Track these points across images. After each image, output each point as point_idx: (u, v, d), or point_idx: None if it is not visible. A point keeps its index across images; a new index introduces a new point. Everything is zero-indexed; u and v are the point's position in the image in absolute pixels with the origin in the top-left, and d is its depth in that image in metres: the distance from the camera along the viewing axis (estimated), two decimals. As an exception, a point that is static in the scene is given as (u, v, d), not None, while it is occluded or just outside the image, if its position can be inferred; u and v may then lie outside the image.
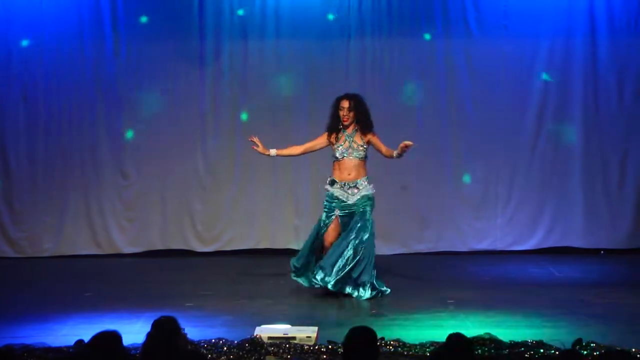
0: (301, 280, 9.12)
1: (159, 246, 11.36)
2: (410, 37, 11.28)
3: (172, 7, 11.21)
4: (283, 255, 11.19)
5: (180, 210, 11.34)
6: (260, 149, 9.15)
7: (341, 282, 8.82)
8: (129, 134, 11.21)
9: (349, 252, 8.80)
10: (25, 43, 11.11)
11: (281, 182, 11.34)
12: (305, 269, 9.08)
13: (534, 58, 11.31)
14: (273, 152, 9.15)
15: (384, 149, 8.95)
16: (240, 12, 11.22)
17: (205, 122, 11.31)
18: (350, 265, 8.79)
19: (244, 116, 11.30)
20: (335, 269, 8.77)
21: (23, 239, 11.23)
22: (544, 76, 11.28)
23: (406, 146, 8.70)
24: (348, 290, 8.85)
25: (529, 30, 11.28)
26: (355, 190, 8.92)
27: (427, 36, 11.27)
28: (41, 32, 11.11)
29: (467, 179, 11.38)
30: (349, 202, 8.91)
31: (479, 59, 11.31)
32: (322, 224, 9.04)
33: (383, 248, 11.13)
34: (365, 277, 8.82)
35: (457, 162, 11.39)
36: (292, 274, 9.17)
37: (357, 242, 8.82)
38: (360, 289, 8.85)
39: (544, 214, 11.39)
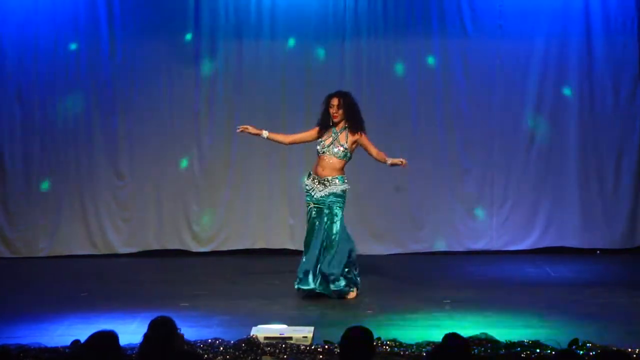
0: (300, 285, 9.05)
1: (155, 246, 11.35)
2: (405, 37, 11.29)
3: (168, 7, 11.20)
4: (279, 255, 11.22)
5: (175, 210, 11.33)
6: (252, 129, 9.13)
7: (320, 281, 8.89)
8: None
9: (319, 253, 8.85)
10: (20, 43, 11.08)
11: (276, 182, 11.34)
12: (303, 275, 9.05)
13: (529, 58, 11.32)
14: (265, 133, 9.13)
15: (374, 151, 8.95)
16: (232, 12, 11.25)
17: (200, 122, 11.31)
18: (321, 262, 8.84)
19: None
20: (310, 269, 8.86)
21: (18, 239, 11.21)
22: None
23: (401, 163, 8.80)
24: (320, 287, 8.87)
25: (525, 29, 11.28)
26: (322, 187, 8.93)
27: (423, 36, 11.27)
28: (36, 32, 11.09)
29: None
30: (315, 197, 8.93)
31: (475, 59, 11.31)
32: (307, 221, 9.09)
33: (379, 248, 11.16)
34: (333, 270, 8.82)
35: (453, 162, 11.39)
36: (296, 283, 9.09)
37: (326, 241, 8.85)
38: (331, 284, 8.85)
39: (539, 214, 11.40)
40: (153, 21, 11.19)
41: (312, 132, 9.14)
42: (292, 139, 9.28)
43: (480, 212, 11.41)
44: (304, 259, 9.01)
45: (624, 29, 11.30)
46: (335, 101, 9.00)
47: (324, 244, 8.89)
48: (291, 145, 9.49)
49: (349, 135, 8.95)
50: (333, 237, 8.88)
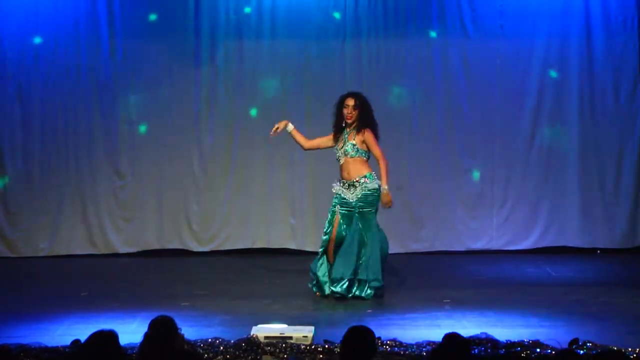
0: (316, 290, 9.02)
1: (155, 246, 11.36)
2: (406, 37, 11.29)
3: (168, 7, 11.21)
4: (279, 254, 11.22)
5: (176, 210, 11.33)
6: (282, 125, 9.04)
7: (352, 286, 8.84)
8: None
9: (355, 258, 8.79)
10: (20, 42, 11.09)
11: (276, 181, 11.34)
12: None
13: (530, 57, 11.33)
14: (290, 127, 9.05)
15: (377, 155, 8.87)
16: (233, 14, 11.24)
17: (201, 122, 11.32)
18: (358, 268, 8.80)
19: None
20: (346, 277, 8.79)
21: (19, 239, 11.22)
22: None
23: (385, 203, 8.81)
24: (357, 292, 8.83)
25: (525, 29, 11.29)
26: (352, 189, 8.88)
27: (423, 36, 11.28)
28: (36, 32, 11.09)
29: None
30: (347, 200, 8.88)
31: (475, 59, 11.31)
32: (327, 225, 8.99)
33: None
34: (370, 276, 8.81)
35: (453, 162, 11.39)
36: (310, 283, 9.07)
37: (360, 248, 8.82)
38: (366, 289, 8.83)
39: (540, 214, 11.41)
40: (153, 21, 11.20)
41: (329, 138, 9.06)
42: (311, 144, 9.18)
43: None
44: (333, 264, 8.92)
45: (624, 28, 11.30)
46: (350, 101, 8.93)
47: (360, 251, 8.81)
48: (309, 149, 9.31)
49: (356, 134, 8.92)
50: (367, 242, 8.82)
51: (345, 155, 8.89)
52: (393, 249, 11.22)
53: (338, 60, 11.29)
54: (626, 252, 11.36)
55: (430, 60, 11.31)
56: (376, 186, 8.85)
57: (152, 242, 11.35)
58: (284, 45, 11.28)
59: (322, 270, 8.93)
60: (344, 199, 8.86)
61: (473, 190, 11.42)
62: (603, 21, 11.29)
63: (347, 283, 8.78)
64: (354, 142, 8.88)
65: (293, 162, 11.16)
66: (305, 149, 9.32)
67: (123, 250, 11.31)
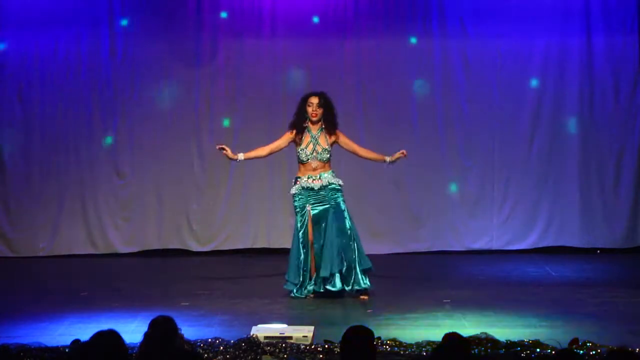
0: (299, 293, 8.92)
1: (155, 246, 11.36)
2: (406, 37, 11.29)
3: (168, 7, 11.21)
4: (279, 254, 11.20)
5: (176, 210, 11.34)
6: (229, 153, 8.96)
7: (348, 280, 8.82)
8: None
9: (340, 250, 8.79)
10: (20, 42, 11.09)
11: (276, 181, 11.34)
12: (302, 283, 8.95)
13: (529, 57, 11.33)
14: (241, 156, 8.93)
15: (361, 150, 8.98)
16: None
17: (201, 121, 11.32)
18: (350, 260, 8.79)
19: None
20: (336, 271, 8.77)
21: (19, 239, 11.23)
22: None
23: (402, 154, 8.93)
24: (357, 286, 8.82)
25: (525, 29, 11.29)
26: (319, 181, 8.87)
27: (423, 36, 11.29)
28: (36, 31, 11.10)
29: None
30: (315, 188, 8.84)
31: (475, 59, 11.32)
32: (298, 227, 8.92)
33: (378, 247, 11.14)
34: (369, 264, 8.83)
35: (454, 161, 11.40)
36: (291, 293, 8.92)
37: (343, 239, 8.81)
38: (365, 278, 8.83)
39: (540, 214, 11.41)
40: (153, 21, 11.20)
41: (287, 137, 8.98)
42: (269, 149, 9.05)
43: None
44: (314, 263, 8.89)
45: (624, 28, 11.30)
46: (315, 99, 8.91)
47: (342, 242, 8.80)
48: (270, 155, 9.18)
49: (327, 136, 8.92)
50: (349, 232, 8.83)
51: (319, 159, 8.86)
52: (393, 248, 11.29)
53: (338, 59, 11.29)
54: (626, 252, 11.36)
55: (430, 60, 11.31)
56: (339, 181, 8.89)
57: (152, 242, 11.36)
58: (284, 45, 11.27)
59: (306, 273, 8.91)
60: (311, 189, 8.83)
61: (473, 190, 11.42)
62: (603, 21, 11.28)
63: (339, 277, 8.77)
64: (327, 147, 8.89)
65: (292, 162, 11.13)
66: (265, 156, 9.20)
67: (123, 250, 11.32)
